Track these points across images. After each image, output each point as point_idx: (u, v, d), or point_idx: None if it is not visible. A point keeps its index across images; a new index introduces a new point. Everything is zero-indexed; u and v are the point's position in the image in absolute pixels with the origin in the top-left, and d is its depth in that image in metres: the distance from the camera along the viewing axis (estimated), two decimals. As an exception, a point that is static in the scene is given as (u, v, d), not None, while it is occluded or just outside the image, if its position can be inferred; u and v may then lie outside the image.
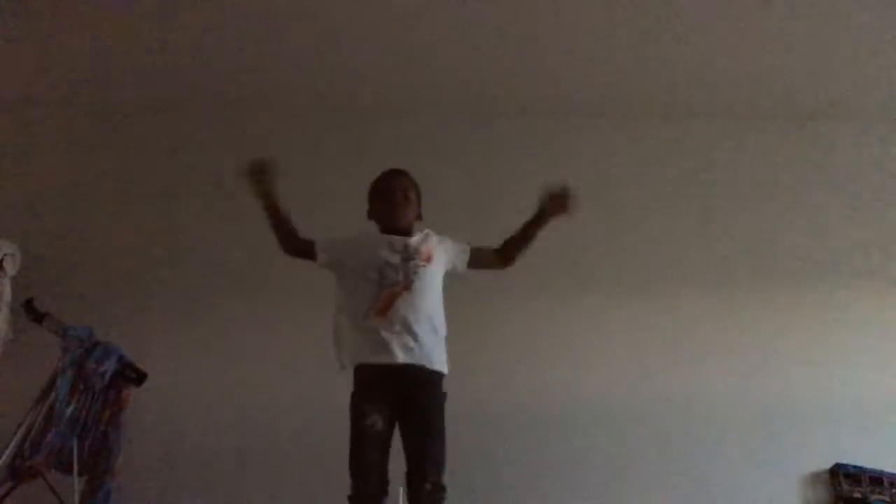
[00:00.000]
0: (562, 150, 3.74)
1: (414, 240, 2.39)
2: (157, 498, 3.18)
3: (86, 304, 3.32)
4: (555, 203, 2.39)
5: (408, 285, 2.29)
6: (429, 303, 2.32)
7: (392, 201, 2.41)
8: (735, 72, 3.47)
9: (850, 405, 3.47)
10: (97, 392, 2.79)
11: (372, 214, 2.48)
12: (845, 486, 3.36)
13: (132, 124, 3.71)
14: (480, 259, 2.47)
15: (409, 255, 2.34)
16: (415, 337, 2.25)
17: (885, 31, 3.15)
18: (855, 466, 3.39)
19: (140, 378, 2.86)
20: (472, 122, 3.71)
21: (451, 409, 2.26)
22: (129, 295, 3.47)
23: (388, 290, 2.28)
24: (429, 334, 2.29)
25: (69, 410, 2.71)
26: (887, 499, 3.32)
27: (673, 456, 3.42)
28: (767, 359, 3.55)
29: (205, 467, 3.28)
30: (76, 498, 2.70)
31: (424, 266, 2.34)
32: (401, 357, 2.23)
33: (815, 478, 3.43)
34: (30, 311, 2.94)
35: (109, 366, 2.81)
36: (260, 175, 2.39)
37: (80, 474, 2.73)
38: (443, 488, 2.17)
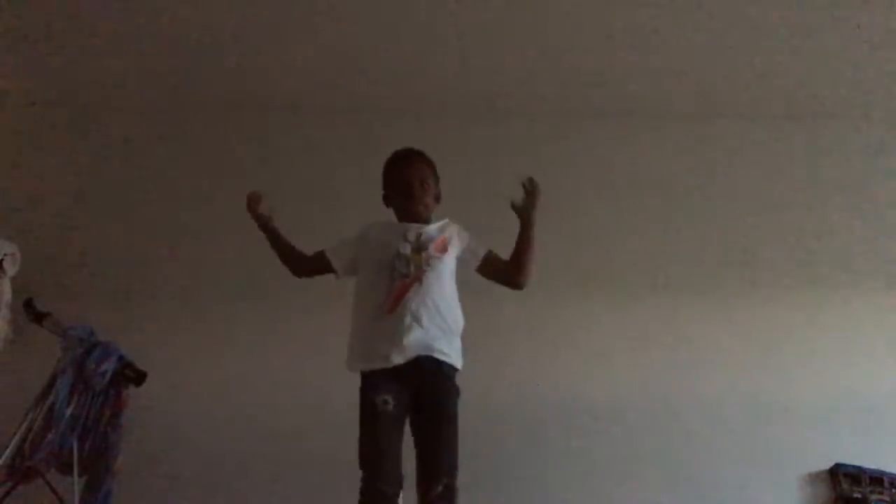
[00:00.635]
0: (561, 151, 3.74)
1: (430, 228, 2.27)
2: (157, 498, 3.18)
3: (86, 304, 3.32)
4: (525, 201, 2.21)
5: (419, 276, 2.17)
6: (442, 296, 2.20)
7: (409, 194, 2.29)
8: (734, 72, 3.47)
9: (850, 405, 3.47)
10: (97, 392, 2.79)
11: (388, 201, 2.37)
12: (845, 486, 3.36)
13: (132, 124, 3.71)
14: (493, 265, 2.31)
15: (421, 245, 2.22)
16: (426, 331, 2.14)
17: (885, 30, 3.15)
18: (855, 466, 3.39)
19: (140, 378, 2.86)
20: (472, 122, 3.71)
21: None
22: (129, 295, 3.47)
23: (399, 282, 2.16)
24: (441, 328, 2.17)
25: (69, 410, 2.71)
26: (887, 499, 3.32)
27: (673, 456, 3.42)
28: (768, 359, 3.55)
29: (205, 467, 3.28)
30: (76, 498, 2.70)
31: (438, 257, 2.22)
32: (410, 353, 2.12)
33: (815, 478, 3.43)
34: (30, 311, 2.94)
35: (109, 366, 2.81)
36: (253, 206, 2.43)
37: (80, 474, 2.73)
38: (453, 490, 2.06)
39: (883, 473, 3.37)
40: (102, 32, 3.14)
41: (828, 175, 3.82)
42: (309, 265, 2.37)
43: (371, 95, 3.61)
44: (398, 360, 2.12)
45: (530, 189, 2.18)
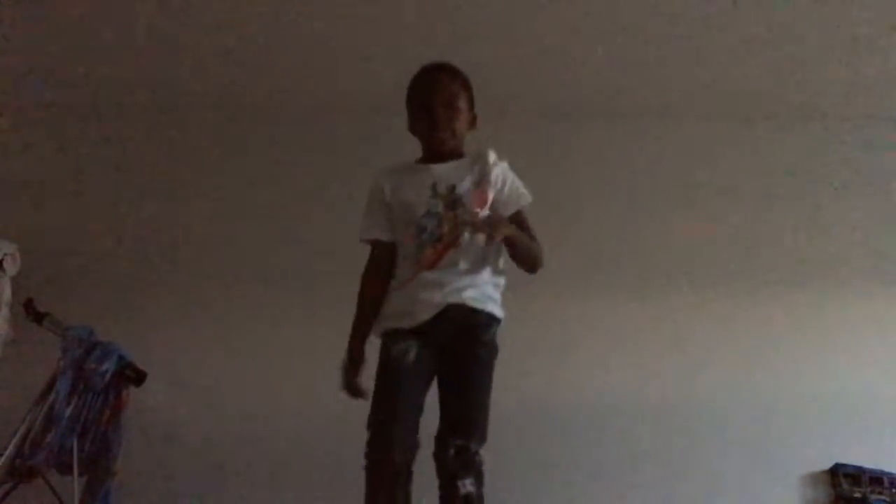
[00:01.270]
0: (562, 151, 3.74)
1: (463, 171, 1.93)
2: (157, 498, 3.19)
3: (86, 304, 3.32)
4: (490, 238, 1.84)
5: (454, 241, 1.88)
6: (481, 253, 1.90)
7: (432, 122, 1.97)
8: (735, 72, 3.47)
9: (850, 405, 3.47)
10: (97, 392, 2.79)
11: (412, 128, 2.05)
12: (845, 486, 3.36)
13: (132, 124, 3.71)
14: (519, 227, 1.95)
15: (455, 200, 1.90)
16: (459, 279, 1.86)
17: (885, 30, 3.15)
18: (855, 466, 3.39)
19: (140, 378, 2.86)
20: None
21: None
22: (129, 295, 3.47)
23: (430, 251, 1.87)
24: (478, 277, 1.89)
25: (69, 410, 2.71)
26: (887, 499, 3.32)
27: (672, 456, 3.42)
28: (767, 358, 3.55)
29: (205, 467, 3.28)
30: (76, 498, 2.70)
31: (477, 214, 1.87)
32: (438, 304, 1.85)
33: (815, 478, 3.43)
34: (30, 311, 2.94)
35: (109, 366, 2.81)
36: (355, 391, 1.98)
37: (80, 474, 2.72)
38: (472, 455, 1.79)
39: (883, 473, 3.37)
40: (102, 32, 3.14)
41: (828, 175, 3.82)
42: (382, 272, 2.00)
43: (372, 95, 3.61)
44: (424, 315, 1.86)
45: (486, 228, 1.83)
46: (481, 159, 1.99)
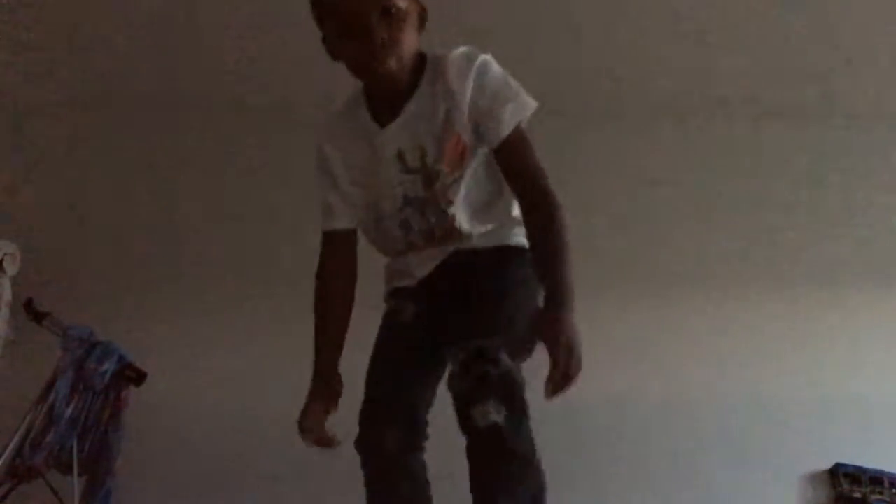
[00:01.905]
0: (563, 151, 3.74)
1: (434, 134, 1.45)
2: (158, 498, 3.18)
3: (86, 304, 3.32)
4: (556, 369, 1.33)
5: (445, 223, 1.50)
6: (479, 202, 1.52)
7: (366, 43, 1.39)
8: (735, 71, 3.47)
9: (850, 405, 3.47)
10: (97, 392, 2.79)
11: (332, 52, 1.50)
12: (845, 486, 3.36)
13: (132, 124, 3.71)
14: (506, 169, 1.48)
15: (431, 172, 1.47)
16: (461, 231, 1.51)
17: (885, 30, 3.16)
18: (855, 466, 3.39)
19: (140, 378, 2.86)
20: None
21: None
22: (129, 295, 3.47)
23: (421, 246, 1.55)
24: (485, 223, 1.54)
25: (69, 411, 2.71)
26: (887, 499, 3.32)
27: (672, 456, 3.41)
28: (767, 358, 3.55)
29: (205, 467, 3.28)
30: (76, 498, 2.70)
31: (459, 177, 1.47)
32: (440, 257, 1.54)
33: (815, 478, 3.43)
34: (30, 311, 2.94)
35: (109, 366, 2.81)
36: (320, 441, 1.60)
37: (80, 474, 2.73)
38: (494, 361, 1.31)
39: (883, 473, 3.37)
40: (102, 32, 3.14)
41: (829, 174, 3.82)
42: (343, 264, 1.60)
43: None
44: (424, 270, 1.55)
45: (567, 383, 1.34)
46: (441, 79, 1.45)
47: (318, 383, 1.58)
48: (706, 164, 3.81)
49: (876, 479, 3.36)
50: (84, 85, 3.55)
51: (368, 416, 1.47)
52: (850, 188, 3.80)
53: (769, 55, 3.33)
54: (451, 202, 1.48)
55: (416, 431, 1.46)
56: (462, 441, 1.31)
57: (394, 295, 1.62)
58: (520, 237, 1.54)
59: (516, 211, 1.53)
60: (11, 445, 2.62)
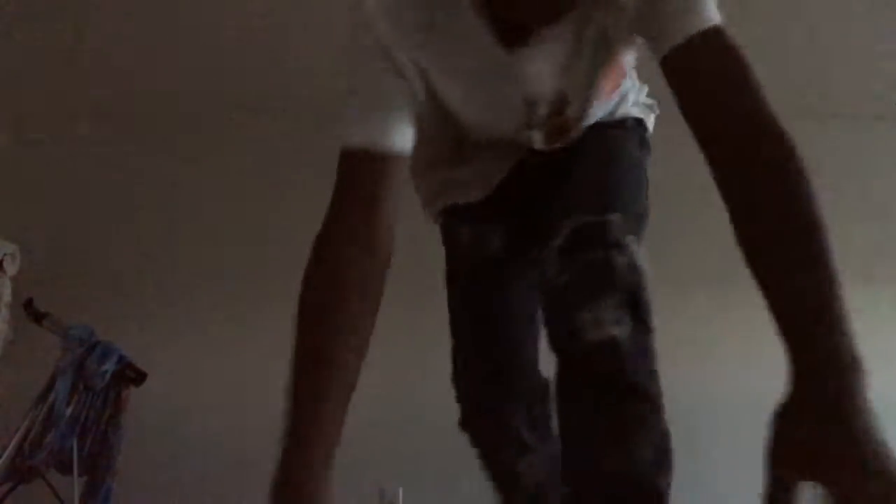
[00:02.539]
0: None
1: (576, 86, 1.04)
2: (158, 498, 3.18)
3: (86, 304, 3.32)
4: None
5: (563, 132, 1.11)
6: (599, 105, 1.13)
7: None
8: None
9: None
10: (97, 392, 2.79)
11: None
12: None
13: (133, 125, 3.71)
14: (692, 79, 0.92)
15: (563, 125, 1.08)
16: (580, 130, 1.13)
17: (885, 30, 3.16)
18: (855, 466, 3.38)
19: (140, 378, 2.86)
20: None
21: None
22: (129, 295, 3.47)
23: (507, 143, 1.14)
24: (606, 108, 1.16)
25: (69, 410, 2.70)
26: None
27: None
28: (768, 358, 3.54)
29: (205, 467, 3.28)
30: (76, 498, 2.70)
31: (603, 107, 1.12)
32: (518, 153, 1.15)
33: (815, 477, 3.42)
34: (30, 311, 2.94)
35: (109, 366, 2.80)
36: None
37: (80, 474, 2.72)
38: (619, 247, 1.04)
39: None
40: (102, 32, 3.14)
41: (829, 173, 3.82)
42: (373, 229, 0.95)
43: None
44: (501, 173, 1.16)
45: None
46: None
47: (285, 492, 0.85)
48: (706, 165, 3.80)
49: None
50: (84, 85, 3.55)
51: (465, 399, 1.13)
52: (850, 187, 3.80)
53: (767, 55, 3.33)
54: (580, 120, 1.08)
55: (529, 396, 1.12)
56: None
57: (454, 218, 1.18)
58: (635, 108, 1.18)
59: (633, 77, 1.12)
60: (11, 445, 2.62)
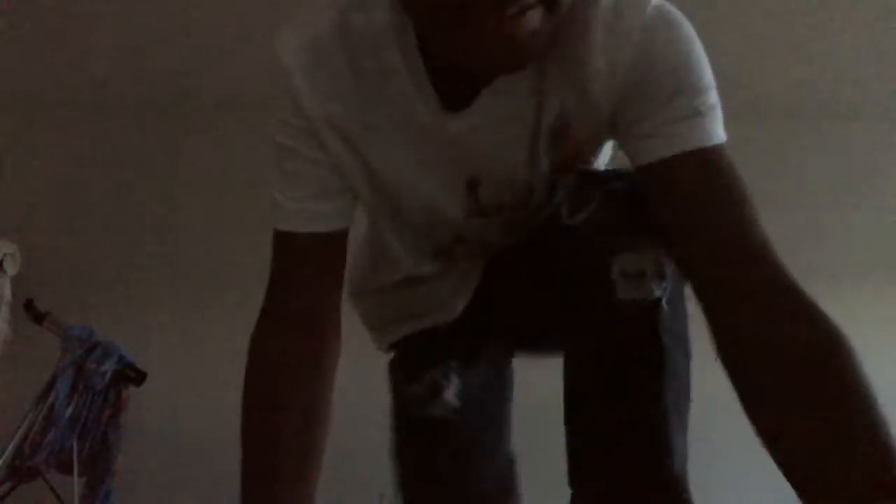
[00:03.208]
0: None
1: (529, 164, 0.84)
2: (158, 498, 3.18)
3: (86, 304, 3.32)
4: None
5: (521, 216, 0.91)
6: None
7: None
8: (735, 70, 3.47)
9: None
10: (97, 392, 2.79)
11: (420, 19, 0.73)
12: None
13: (132, 124, 3.71)
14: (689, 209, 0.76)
15: (520, 212, 0.89)
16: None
17: (886, 30, 3.15)
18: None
19: (140, 378, 2.85)
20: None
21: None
22: (129, 295, 3.47)
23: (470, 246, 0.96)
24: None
25: (69, 411, 2.70)
26: (888, 499, 3.30)
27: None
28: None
29: (205, 467, 3.27)
30: (76, 498, 2.70)
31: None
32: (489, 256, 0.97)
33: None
34: (30, 311, 2.94)
35: (109, 366, 2.80)
36: None
37: (80, 474, 2.72)
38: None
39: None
40: (102, 32, 3.14)
41: (829, 173, 3.82)
42: (323, 315, 0.94)
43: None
44: (469, 290, 0.98)
45: None
46: (574, 39, 0.76)
47: None
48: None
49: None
50: (84, 85, 3.55)
51: None
52: (850, 186, 3.80)
53: (767, 54, 3.32)
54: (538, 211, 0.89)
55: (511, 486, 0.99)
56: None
57: (413, 354, 1.01)
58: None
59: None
60: (11, 445, 2.62)
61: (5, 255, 3.13)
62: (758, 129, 3.85)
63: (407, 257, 0.96)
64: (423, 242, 0.95)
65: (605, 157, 0.93)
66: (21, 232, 3.34)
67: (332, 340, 0.91)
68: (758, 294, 0.72)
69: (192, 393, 3.32)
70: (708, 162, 0.76)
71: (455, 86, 0.79)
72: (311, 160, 0.87)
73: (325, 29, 0.86)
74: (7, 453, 2.60)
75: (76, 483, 2.70)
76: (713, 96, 0.78)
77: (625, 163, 0.81)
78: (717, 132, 0.78)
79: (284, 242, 0.88)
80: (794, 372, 0.67)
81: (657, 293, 0.76)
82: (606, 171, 0.84)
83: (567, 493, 0.98)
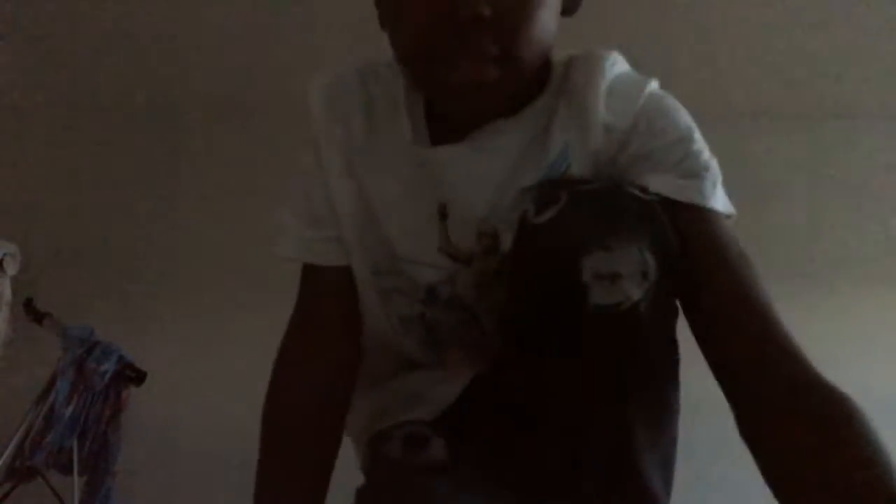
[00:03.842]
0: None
1: (508, 211, 0.82)
2: (157, 498, 3.18)
3: (86, 304, 3.32)
4: None
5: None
6: None
7: (433, 44, 0.77)
8: (735, 70, 3.47)
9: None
10: (97, 392, 2.79)
11: (391, 34, 0.87)
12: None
13: (132, 124, 3.71)
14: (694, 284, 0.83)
15: (496, 261, 0.87)
16: None
17: (886, 30, 3.16)
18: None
19: (140, 378, 2.86)
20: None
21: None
22: (129, 295, 3.47)
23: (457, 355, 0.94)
24: None
25: (69, 411, 2.70)
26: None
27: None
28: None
29: (205, 468, 3.28)
30: (76, 498, 2.70)
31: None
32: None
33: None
34: (30, 311, 2.94)
35: (109, 366, 2.80)
36: None
37: (80, 474, 2.72)
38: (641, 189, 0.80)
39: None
40: (102, 32, 3.14)
41: (829, 173, 3.82)
42: (345, 334, 1.04)
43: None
44: (456, 387, 0.91)
45: None
46: (571, 91, 0.82)
47: None
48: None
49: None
50: (84, 85, 3.55)
51: None
52: (850, 186, 3.80)
53: (767, 54, 3.33)
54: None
55: None
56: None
57: (387, 438, 0.92)
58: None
59: None
60: (11, 445, 2.62)
61: (5, 255, 3.13)
62: (757, 129, 3.86)
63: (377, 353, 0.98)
64: (401, 302, 0.94)
65: None
66: (21, 232, 3.34)
67: (355, 356, 0.99)
68: (773, 364, 0.71)
69: (192, 393, 3.32)
70: (717, 220, 0.81)
71: (453, 126, 0.86)
72: (319, 182, 1.00)
73: (350, 71, 1.00)
74: (7, 453, 2.60)
75: (76, 483, 2.70)
76: (716, 172, 0.86)
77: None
78: (726, 203, 0.83)
79: (310, 275, 1.02)
80: (814, 441, 0.68)
81: (635, 296, 0.70)
82: (575, 176, 0.81)
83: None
